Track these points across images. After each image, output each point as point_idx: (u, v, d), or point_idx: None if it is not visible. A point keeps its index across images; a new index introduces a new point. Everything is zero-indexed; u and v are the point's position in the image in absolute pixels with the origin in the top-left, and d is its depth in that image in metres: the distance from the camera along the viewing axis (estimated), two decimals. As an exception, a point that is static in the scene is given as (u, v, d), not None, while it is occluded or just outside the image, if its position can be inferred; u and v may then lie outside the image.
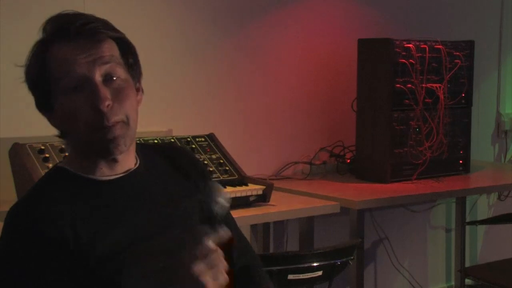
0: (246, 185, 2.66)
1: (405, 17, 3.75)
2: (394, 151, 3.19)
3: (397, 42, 3.16)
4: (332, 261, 1.95)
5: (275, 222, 3.25)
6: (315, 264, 1.94)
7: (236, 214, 2.47)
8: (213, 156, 2.76)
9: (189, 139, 2.78)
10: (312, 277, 1.93)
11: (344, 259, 2.00)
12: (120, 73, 1.36)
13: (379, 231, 3.76)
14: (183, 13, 3.09)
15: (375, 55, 3.22)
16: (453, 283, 4.03)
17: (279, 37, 3.38)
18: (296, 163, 3.43)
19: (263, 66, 3.36)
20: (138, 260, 1.33)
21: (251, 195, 2.62)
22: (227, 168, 2.73)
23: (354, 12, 3.58)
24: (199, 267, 1.18)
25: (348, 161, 3.47)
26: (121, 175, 1.42)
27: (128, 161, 1.43)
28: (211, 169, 2.68)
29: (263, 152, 3.38)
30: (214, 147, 2.80)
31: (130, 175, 1.43)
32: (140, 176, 1.45)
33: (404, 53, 3.18)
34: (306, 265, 1.92)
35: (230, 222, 1.60)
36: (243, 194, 2.60)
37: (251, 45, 3.31)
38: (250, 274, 1.56)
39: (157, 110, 3.03)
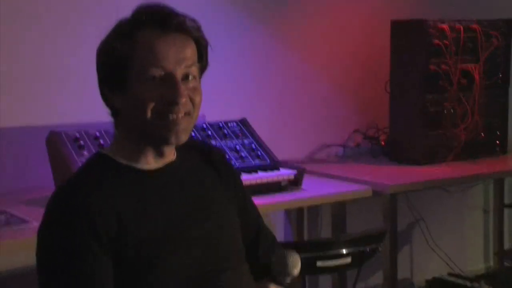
0: (278, 169, 2.68)
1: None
2: (428, 134, 3.17)
3: (431, 23, 3.12)
4: (361, 248, 1.97)
5: (309, 207, 3.26)
6: (343, 251, 1.95)
7: (267, 199, 2.52)
8: (245, 141, 2.78)
9: (221, 124, 2.81)
10: (341, 264, 1.94)
11: (373, 246, 2.01)
12: (195, 73, 1.46)
13: (414, 213, 3.73)
14: (220, 1, 3.10)
15: (408, 37, 3.19)
16: (491, 264, 4.00)
17: (312, 20, 3.37)
18: (329, 145, 3.43)
19: (297, 50, 3.36)
20: (174, 248, 1.39)
21: (283, 180, 2.64)
22: (259, 153, 2.75)
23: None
24: None
25: (383, 143, 3.45)
26: (162, 166, 1.48)
27: (171, 154, 1.50)
28: (243, 154, 2.71)
29: (297, 135, 3.39)
30: (246, 132, 2.83)
31: (170, 167, 1.49)
32: (179, 168, 1.51)
33: (438, 34, 3.14)
34: (334, 252, 1.94)
35: (249, 207, 1.67)
36: (275, 179, 2.62)
37: (284, 29, 3.31)
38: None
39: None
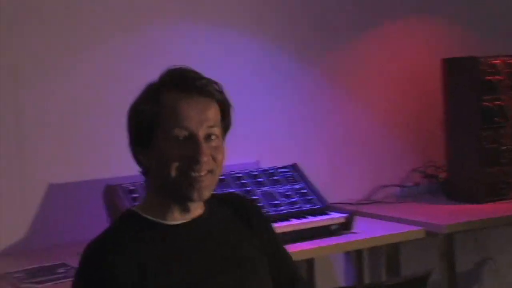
0: (328, 214, 2.70)
1: (492, 33, 3.65)
2: (486, 170, 3.11)
3: (482, 60, 3.09)
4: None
5: (370, 248, 3.23)
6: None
7: (316, 244, 2.54)
8: (296, 186, 2.82)
9: (272, 170, 2.86)
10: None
11: (415, 290, 1.99)
12: (218, 133, 1.53)
13: (482, 252, 3.64)
14: (269, 46, 3.18)
15: (460, 74, 3.17)
16: None
17: (363, 59, 3.40)
18: (386, 186, 3.41)
19: (348, 89, 3.38)
20: None
21: (333, 224, 2.66)
22: (309, 198, 2.77)
23: (439, 31, 3.54)
24: None
25: (443, 181, 3.41)
26: (188, 220, 1.55)
27: (198, 209, 1.57)
28: (293, 199, 2.74)
29: (354, 177, 3.39)
30: (297, 177, 2.87)
31: (196, 221, 1.56)
32: (205, 222, 1.57)
33: (490, 70, 3.10)
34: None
35: (282, 255, 1.70)
36: (324, 223, 2.64)
37: (335, 69, 3.35)
38: None
39: (245, 143, 3.13)
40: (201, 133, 1.49)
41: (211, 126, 1.51)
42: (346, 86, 3.38)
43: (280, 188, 2.79)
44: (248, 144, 3.13)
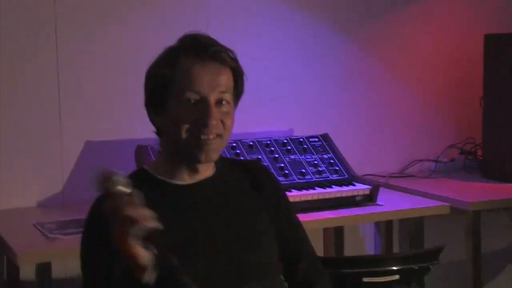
0: (353, 184, 2.73)
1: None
2: (521, 150, 3.08)
3: (525, 37, 3.04)
4: (410, 266, 1.98)
5: (400, 221, 3.25)
6: (392, 268, 1.98)
7: (341, 213, 2.59)
8: (325, 156, 2.86)
9: (301, 139, 2.90)
10: (387, 281, 1.97)
11: (424, 264, 2.02)
12: (229, 99, 1.60)
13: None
14: (303, 15, 3.19)
15: (501, 51, 3.11)
16: None
17: (403, 34, 3.39)
18: (421, 160, 3.41)
19: (388, 63, 3.38)
20: (196, 257, 1.51)
21: (357, 195, 2.69)
22: (337, 168, 2.81)
23: (482, 6, 3.48)
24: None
25: (481, 158, 3.38)
26: (196, 181, 1.61)
27: (207, 170, 1.64)
28: (320, 168, 2.79)
29: (389, 149, 3.40)
30: (326, 147, 2.90)
31: (204, 182, 1.63)
32: (213, 184, 1.63)
33: (532, 48, 3.05)
34: (382, 268, 1.97)
35: (292, 221, 1.74)
36: (349, 194, 2.68)
37: (373, 45, 3.34)
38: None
39: (280, 111, 3.18)
40: (212, 98, 1.55)
41: (223, 92, 1.57)
42: (385, 59, 3.38)
43: (308, 157, 2.84)
44: (282, 113, 3.18)
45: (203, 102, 1.55)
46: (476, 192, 2.94)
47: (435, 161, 3.41)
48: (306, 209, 2.58)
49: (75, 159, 2.77)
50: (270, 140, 2.85)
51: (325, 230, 3.15)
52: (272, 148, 2.82)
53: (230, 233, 1.59)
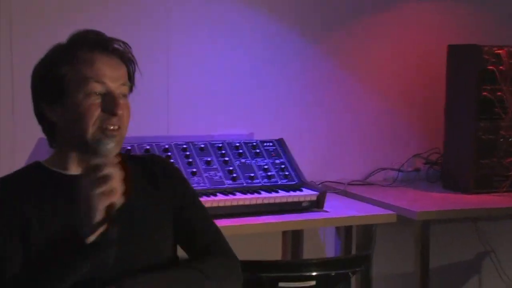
0: (301, 190, 2.74)
1: (499, 22, 3.55)
2: (480, 162, 3.07)
3: (486, 48, 3.02)
4: (328, 272, 1.99)
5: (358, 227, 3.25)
6: (308, 274, 1.98)
7: (285, 218, 2.60)
8: (277, 161, 2.87)
9: (255, 143, 2.92)
10: (303, 287, 1.97)
11: (342, 271, 2.02)
12: (126, 92, 1.64)
13: (484, 243, 3.59)
14: (270, 20, 3.21)
15: (463, 62, 3.11)
16: None
17: (369, 41, 3.39)
18: (384, 169, 3.41)
19: (353, 72, 3.38)
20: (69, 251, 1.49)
21: (304, 201, 2.70)
22: (287, 173, 2.82)
23: (446, 18, 3.48)
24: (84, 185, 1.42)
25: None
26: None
27: None
28: (270, 173, 2.80)
29: (353, 157, 3.40)
30: (280, 152, 2.92)
31: None
32: None
33: (494, 60, 3.03)
34: (298, 274, 1.98)
35: (189, 209, 1.74)
36: (295, 199, 2.69)
37: (339, 51, 3.35)
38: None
39: (241, 115, 3.20)
40: (117, 90, 1.59)
41: (123, 84, 1.61)
42: (351, 66, 3.38)
43: (260, 161, 2.85)
44: (243, 116, 3.20)
45: (109, 93, 1.58)
46: (430, 202, 2.93)
47: (399, 170, 3.40)
48: (250, 213, 2.60)
49: (27, 157, 2.81)
50: (222, 143, 2.88)
51: (284, 233, 3.18)
52: (224, 151, 2.84)
53: (113, 230, 1.52)
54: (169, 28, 3.00)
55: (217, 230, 1.77)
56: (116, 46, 1.62)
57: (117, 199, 1.44)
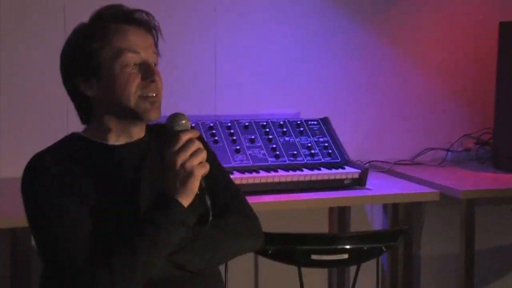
0: (344, 168, 2.75)
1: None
2: (530, 141, 3.00)
3: (538, 24, 2.95)
4: (359, 246, 2.00)
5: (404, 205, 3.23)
6: (342, 247, 2.00)
7: (326, 195, 2.63)
8: (320, 140, 2.89)
9: (299, 121, 2.94)
10: (336, 260, 1.99)
11: (375, 245, 2.03)
12: (157, 60, 1.70)
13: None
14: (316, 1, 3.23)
15: (514, 39, 3.04)
16: None
17: (418, 20, 3.35)
18: (433, 149, 3.37)
19: (402, 49, 3.35)
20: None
21: (346, 178, 2.71)
22: (330, 151, 2.84)
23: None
24: (182, 158, 1.52)
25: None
26: (125, 142, 1.68)
27: (139, 133, 1.71)
28: (313, 151, 2.82)
29: (402, 137, 3.38)
30: (324, 131, 2.93)
31: (132, 144, 1.69)
32: (141, 146, 1.70)
33: (546, 37, 2.96)
34: (331, 246, 2.00)
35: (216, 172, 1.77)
36: (337, 177, 2.71)
37: (388, 30, 3.33)
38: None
39: (287, 94, 3.23)
40: (150, 58, 1.65)
41: (154, 52, 1.67)
42: (401, 45, 3.35)
43: (303, 139, 2.88)
44: (289, 96, 3.23)
45: (144, 62, 1.64)
46: (478, 181, 2.89)
47: (448, 150, 3.36)
48: (292, 190, 2.64)
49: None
50: (267, 122, 2.91)
51: (331, 211, 3.20)
52: (267, 129, 2.87)
53: (137, 201, 1.62)
54: (215, 16, 3.05)
55: (236, 188, 1.81)
56: (141, 16, 1.67)
57: (207, 169, 1.55)
